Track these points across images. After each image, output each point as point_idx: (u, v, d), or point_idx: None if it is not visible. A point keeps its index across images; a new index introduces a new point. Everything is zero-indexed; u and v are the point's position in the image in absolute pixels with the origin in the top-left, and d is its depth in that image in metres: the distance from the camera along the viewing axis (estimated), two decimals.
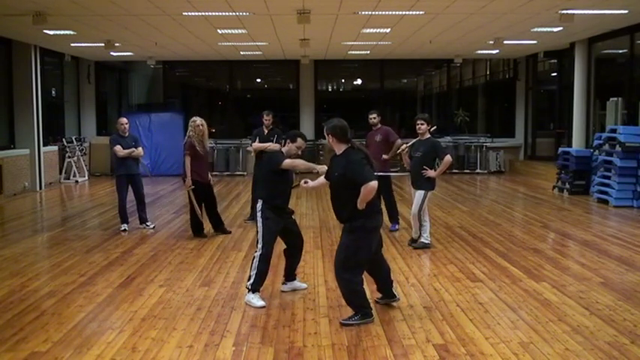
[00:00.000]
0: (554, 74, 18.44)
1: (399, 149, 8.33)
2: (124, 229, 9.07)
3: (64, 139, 16.25)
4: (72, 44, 14.44)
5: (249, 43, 14.54)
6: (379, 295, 5.55)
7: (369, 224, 4.99)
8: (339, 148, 5.10)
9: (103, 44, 13.74)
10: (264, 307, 5.42)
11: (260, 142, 9.35)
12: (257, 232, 5.64)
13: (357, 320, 5.00)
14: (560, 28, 12.43)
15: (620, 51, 14.06)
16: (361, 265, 5.10)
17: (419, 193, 7.67)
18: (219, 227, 8.85)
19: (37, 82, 14.30)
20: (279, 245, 5.94)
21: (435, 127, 8.16)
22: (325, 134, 5.16)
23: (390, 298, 5.50)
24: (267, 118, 9.50)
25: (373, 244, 5.11)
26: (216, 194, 9.31)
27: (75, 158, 16.26)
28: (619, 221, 9.84)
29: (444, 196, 11.53)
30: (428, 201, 7.67)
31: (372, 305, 5.24)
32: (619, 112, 12.81)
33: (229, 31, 12.52)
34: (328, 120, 5.23)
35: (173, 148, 15.85)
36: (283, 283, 6.01)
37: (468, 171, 17.79)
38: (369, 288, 5.60)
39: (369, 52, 16.62)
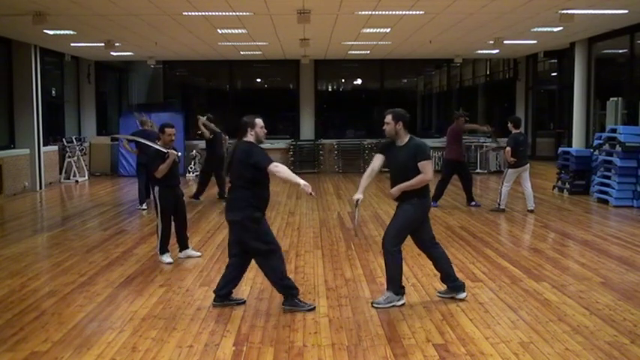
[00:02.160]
0: (554, 74, 18.47)
1: None
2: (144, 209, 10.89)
3: (64, 139, 16.26)
4: (72, 44, 14.45)
5: (249, 43, 14.55)
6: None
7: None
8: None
9: (103, 44, 13.74)
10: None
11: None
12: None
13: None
14: (560, 28, 12.44)
15: (620, 51, 14.07)
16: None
17: None
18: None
19: (37, 82, 14.30)
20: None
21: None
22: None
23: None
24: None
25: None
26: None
27: (75, 158, 16.26)
28: (619, 221, 9.84)
29: (444, 196, 11.53)
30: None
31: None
32: (619, 112, 12.82)
33: (229, 31, 12.52)
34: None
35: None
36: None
37: None
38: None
39: (369, 52, 16.63)
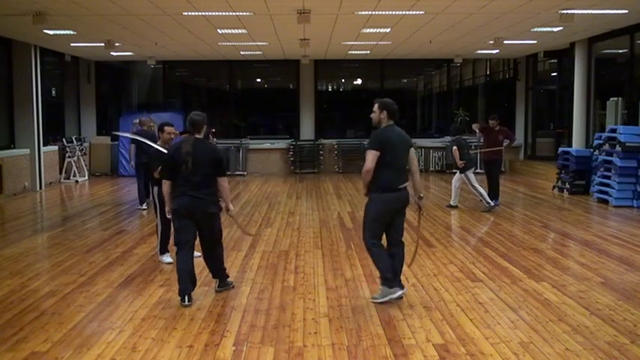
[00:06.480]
0: (554, 74, 18.45)
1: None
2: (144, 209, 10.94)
3: (64, 139, 16.25)
4: (72, 44, 14.44)
5: (250, 43, 14.54)
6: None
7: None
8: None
9: (103, 44, 13.74)
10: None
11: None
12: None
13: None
14: (560, 28, 12.43)
15: (620, 51, 14.06)
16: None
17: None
18: None
19: (37, 82, 14.30)
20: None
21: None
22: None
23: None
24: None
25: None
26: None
27: (75, 158, 16.26)
28: (619, 221, 9.84)
29: (444, 195, 11.55)
30: None
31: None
32: (619, 112, 12.82)
33: (229, 31, 12.52)
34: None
35: None
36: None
37: None
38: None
39: (369, 52, 16.62)
